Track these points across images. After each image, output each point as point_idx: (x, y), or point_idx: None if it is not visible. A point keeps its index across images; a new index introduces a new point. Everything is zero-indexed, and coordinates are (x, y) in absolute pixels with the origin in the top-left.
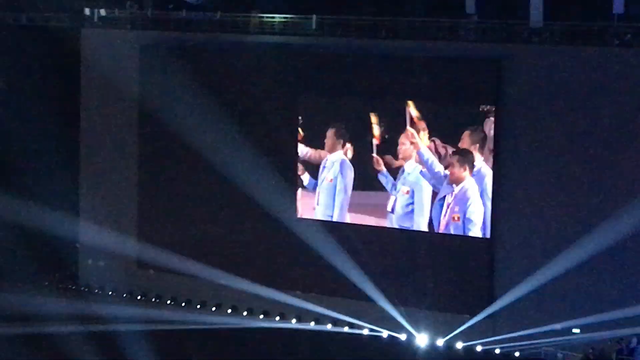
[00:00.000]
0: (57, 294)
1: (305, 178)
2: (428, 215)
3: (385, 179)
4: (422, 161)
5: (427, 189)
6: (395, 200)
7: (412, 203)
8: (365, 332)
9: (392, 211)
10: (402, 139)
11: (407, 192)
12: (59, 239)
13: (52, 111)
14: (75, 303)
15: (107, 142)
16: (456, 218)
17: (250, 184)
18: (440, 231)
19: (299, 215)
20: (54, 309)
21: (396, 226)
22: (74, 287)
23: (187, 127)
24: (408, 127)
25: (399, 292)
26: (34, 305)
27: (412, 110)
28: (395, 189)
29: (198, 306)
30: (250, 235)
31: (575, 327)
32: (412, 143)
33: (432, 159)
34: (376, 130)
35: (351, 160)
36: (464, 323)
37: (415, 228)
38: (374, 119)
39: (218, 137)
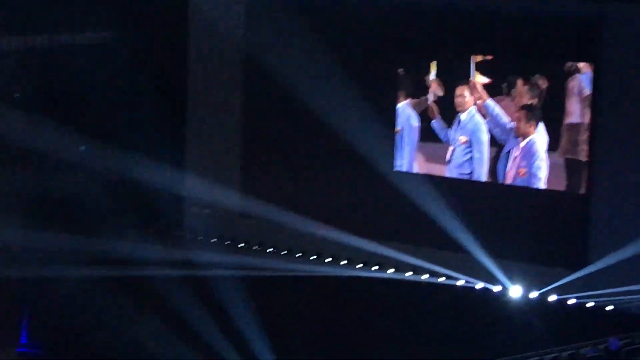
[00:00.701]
0: (162, 240)
1: None
2: (488, 163)
3: (439, 127)
4: (488, 113)
5: (485, 138)
6: (453, 150)
7: (471, 152)
8: (460, 283)
9: (450, 161)
10: (459, 90)
11: (465, 142)
12: (165, 191)
13: (158, 65)
14: (179, 249)
15: (213, 97)
16: (522, 172)
17: (351, 137)
18: (505, 184)
19: (396, 168)
20: (159, 254)
21: (455, 175)
22: (178, 234)
23: (290, 81)
24: (472, 78)
25: (494, 245)
26: (140, 251)
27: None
28: (452, 139)
29: (298, 255)
30: (350, 188)
31: None
32: (477, 96)
33: (498, 110)
34: (432, 76)
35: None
36: (558, 276)
37: (475, 177)
38: (433, 67)
39: (321, 91)
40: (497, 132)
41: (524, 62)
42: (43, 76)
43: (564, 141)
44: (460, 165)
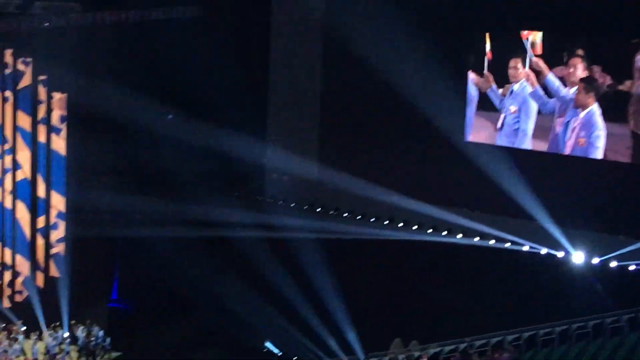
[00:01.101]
0: (245, 205)
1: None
2: (532, 133)
3: (494, 95)
4: (549, 87)
5: (533, 109)
6: (504, 118)
7: (519, 121)
8: (525, 248)
9: (501, 128)
10: (513, 62)
11: (515, 111)
12: (248, 159)
13: (242, 39)
14: (260, 213)
15: (293, 70)
16: (582, 142)
17: (425, 108)
18: (566, 154)
19: (467, 139)
20: (242, 217)
21: (504, 143)
22: (260, 199)
23: (368, 54)
24: (533, 58)
25: (558, 212)
26: (224, 214)
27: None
28: (503, 107)
29: (372, 219)
30: (422, 157)
31: None
32: (537, 71)
33: (558, 83)
34: (488, 47)
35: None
36: (619, 244)
37: (519, 145)
38: (488, 38)
39: (398, 64)
40: (556, 103)
41: (590, 36)
42: (135, 49)
43: (630, 113)
44: (510, 133)
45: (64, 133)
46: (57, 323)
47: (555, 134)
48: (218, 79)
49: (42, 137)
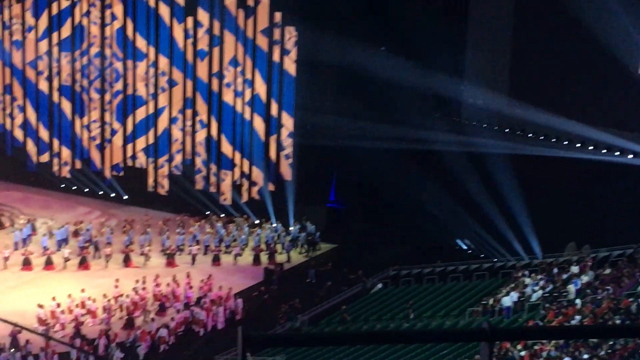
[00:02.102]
0: (445, 125)
1: None
2: None
3: None
4: None
5: None
6: None
7: None
8: None
9: None
10: None
11: None
12: (447, 89)
13: None
14: (457, 132)
15: (489, 13)
16: None
17: (609, 44)
18: None
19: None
20: (441, 135)
21: None
22: (457, 120)
23: None
24: None
25: None
26: (428, 132)
27: None
28: None
29: (553, 140)
30: (601, 88)
31: None
32: None
33: None
34: None
35: None
36: None
37: None
38: None
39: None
40: None
41: None
42: None
43: None
44: None
45: (293, 54)
46: (278, 219)
47: None
48: (421, 23)
49: (276, 57)
